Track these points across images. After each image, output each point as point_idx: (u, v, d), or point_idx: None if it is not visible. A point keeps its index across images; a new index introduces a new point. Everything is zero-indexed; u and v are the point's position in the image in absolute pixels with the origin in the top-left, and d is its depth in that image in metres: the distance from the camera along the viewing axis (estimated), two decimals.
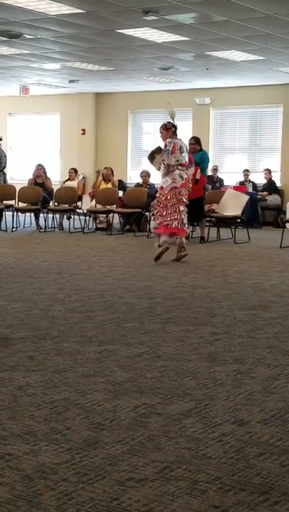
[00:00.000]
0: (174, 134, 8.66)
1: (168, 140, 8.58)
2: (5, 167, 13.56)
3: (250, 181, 14.40)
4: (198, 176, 10.48)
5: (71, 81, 14.48)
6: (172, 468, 2.59)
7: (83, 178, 15.65)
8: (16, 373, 3.80)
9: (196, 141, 11.08)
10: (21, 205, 13.05)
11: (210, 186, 13.33)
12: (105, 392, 3.50)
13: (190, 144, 10.76)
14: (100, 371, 3.86)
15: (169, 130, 8.63)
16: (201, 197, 10.70)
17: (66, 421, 3.09)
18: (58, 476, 2.52)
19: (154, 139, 16.53)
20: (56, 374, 3.80)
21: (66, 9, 8.33)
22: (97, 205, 12.82)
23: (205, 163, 11.03)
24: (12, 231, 12.49)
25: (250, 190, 13.85)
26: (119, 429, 2.99)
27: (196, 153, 10.71)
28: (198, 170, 10.49)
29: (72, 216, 13.12)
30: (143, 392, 3.49)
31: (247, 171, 14.50)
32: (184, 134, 15.91)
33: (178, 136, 8.76)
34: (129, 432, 2.96)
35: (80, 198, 13.27)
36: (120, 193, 13.10)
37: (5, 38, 10.11)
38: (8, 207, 13.14)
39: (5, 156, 13.46)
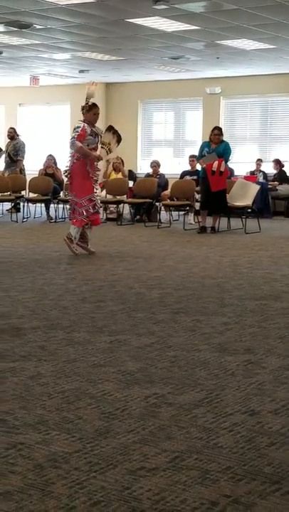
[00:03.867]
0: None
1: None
2: (23, 157, 13.65)
3: (260, 171, 14.35)
4: (222, 168, 10.37)
5: (81, 71, 14.46)
6: (183, 458, 2.60)
7: None
8: (27, 363, 3.82)
9: (220, 131, 10.78)
10: (32, 195, 13.07)
11: None
12: (116, 381, 3.51)
13: (214, 134, 10.67)
14: (110, 361, 3.87)
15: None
16: (224, 189, 10.60)
17: (77, 410, 3.10)
18: (69, 465, 2.54)
19: (164, 129, 16.53)
20: (67, 364, 3.81)
21: None
22: (108, 196, 12.81)
23: (228, 154, 10.70)
24: (23, 221, 12.52)
25: (260, 180, 13.80)
26: (130, 419, 3.00)
27: (219, 144, 10.60)
28: (223, 162, 10.37)
29: None
30: (154, 382, 3.49)
31: (260, 160, 14.43)
32: (194, 123, 15.92)
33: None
34: (140, 421, 2.97)
35: None
36: (130, 183, 13.08)
37: (15, 29, 10.10)
38: (19, 197, 13.17)
39: (24, 147, 13.54)
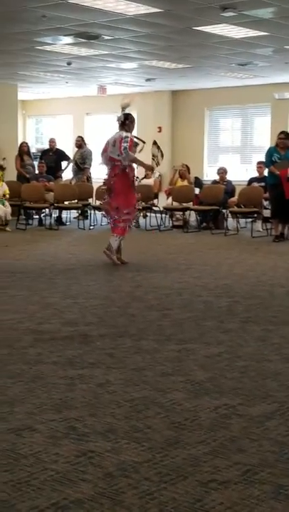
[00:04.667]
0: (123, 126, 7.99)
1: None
2: (90, 166, 13.82)
3: None
4: None
5: (148, 79, 14.53)
6: (256, 471, 2.55)
7: (159, 175, 15.67)
8: (96, 370, 3.83)
9: (286, 136, 10.60)
10: (99, 203, 13.20)
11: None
12: (185, 391, 3.48)
13: (280, 138, 10.52)
14: (179, 370, 3.84)
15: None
16: None
17: (146, 419, 3.08)
18: (139, 474, 2.52)
19: (231, 135, 16.42)
20: (135, 372, 3.81)
21: (144, 9, 8.35)
22: (174, 203, 12.81)
23: None
24: (90, 229, 12.65)
25: None
26: (200, 430, 2.96)
27: (286, 149, 10.44)
28: None
29: (149, 214, 13.15)
30: (224, 393, 3.45)
31: None
32: (262, 129, 15.74)
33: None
34: (210, 432, 2.93)
35: (156, 196, 13.30)
36: (197, 191, 13.04)
37: (84, 40, 10.23)
38: (86, 205, 13.33)
39: (91, 155, 13.72)
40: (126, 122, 7.97)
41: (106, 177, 8.20)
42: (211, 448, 2.76)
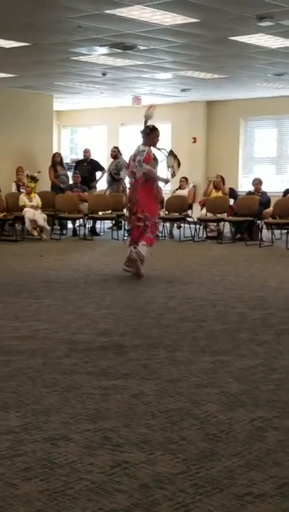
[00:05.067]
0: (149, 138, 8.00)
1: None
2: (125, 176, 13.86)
3: None
4: None
5: (183, 90, 14.55)
6: None
7: (194, 186, 15.67)
8: (130, 381, 3.83)
9: None
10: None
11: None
12: (220, 403, 3.46)
13: None
14: (213, 382, 3.82)
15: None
16: None
17: (181, 431, 3.07)
18: (175, 486, 2.51)
19: (266, 146, 16.34)
20: (170, 383, 3.80)
21: (180, 19, 8.38)
22: (208, 214, 12.78)
23: None
24: (124, 239, 12.67)
25: None
26: (235, 442, 2.94)
27: None
28: None
29: (183, 225, 13.15)
30: (259, 405, 3.41)
31: None
32: None
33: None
34: (245, 445, 2.90)
35: (190, 207, 13.29)
36: (231, 201, 13.00)
37: (119, 50, 10.30)
38: (120, 215, 13.38)
39: (125, 167, 13.75)
40: (150, 135, 7.96)
41: (128, 191, 8.23)
42: (246, 461, 2.74)
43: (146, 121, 8.11)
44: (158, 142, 8.05)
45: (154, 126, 8.06)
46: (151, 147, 7.95)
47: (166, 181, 8.20)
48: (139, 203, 7.88)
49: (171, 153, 8.34)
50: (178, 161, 8.39)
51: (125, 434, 3.03)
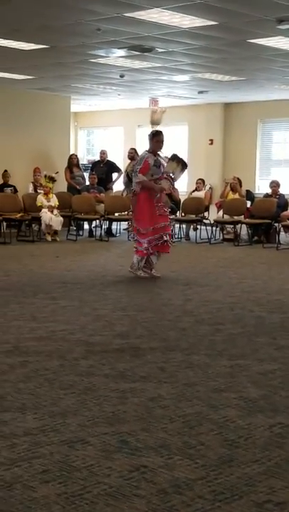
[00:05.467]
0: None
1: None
2: None
3: None
4: None
5: (200, 92, 14.53)
6: None
7: (210, 188, 15.63)
8: (147, 384, 3.81)
9: None
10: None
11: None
12: (238, 408, 3.43)
13: None
14: (231, 386, 3.80)
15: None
16: None
17: (199, 436, 3.05)
18: (193, 492, 2.49)
19: (284, 148, 16.26)
20: (187, 387, 3.78)
21: (199, 22, 8.35)
22: (225, 216, 12.74)
23: None
24: None
25: None
26: (254, 448, 2.91)
27: None
28: None
29: (199, 226, 13.11)
30: (278, 411, 3.38)
31: None
32: None
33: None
34: (265, 451, 2.88)
35: (206, 209, 13.25)
36: (248, 204, 12.95)
37: (138, 53, 10.30)
38: None
39: None
40: (153, 140, 7.89)
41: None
42: (265, 467, 2.71)
43: (153, 127, 8.06)
44: (162, 146, 7.93)
45: (157, 131, 8.00)
46: (158, 152, 7.89)
47: (161, 190, 7.92)
48: (133, 213, 8.10)
49: (174, 157, 8.10)
50: (182, 164, 8.12)
51: (143, 438, 3.02)
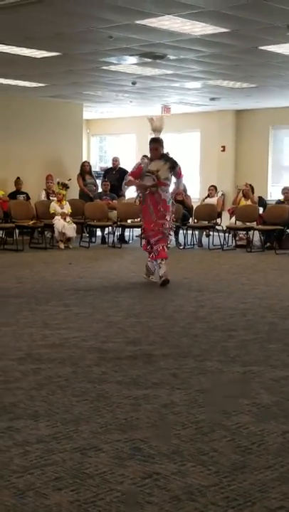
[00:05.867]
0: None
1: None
2: None
3: None
4: None
5: (212, 99, 14.54)
6: None
7: (222, 194, 15.62)
8: (160, 390, 3.81)
9: None
10: None
11: None
12: (251, 414, 3.42)
13: None
14: (244, 393, 3.79)
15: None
16: None
17: (212, 442, 3.04)
18: (206, 499, 2.48)
19: None
20: (200, 393, 3.77)
21: (211, 29, 8.37)
22: (237, 222, 12.73)
23: None
24: None
25: None
26: (267, 455, 2.90)
27: None
28: None
29: (212, 233, 13.11)
30: None
31: None
32: None
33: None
34: (278, 458, 2.87)
35: (219, 215, 13.25)
36: (260, 210, 12.93)
37: (149, 60, 10.33)
38: None
39: None
40: (150, 147, 7.97)
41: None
42: (278, 474, 2.70)
43: (154, 134, 8.09)
44: (159, 153, 7.93)
45: (153, 138, 8.05)
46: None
47: (141, 187, 7.95)
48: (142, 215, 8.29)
49: (162, 156, 8.01)
50: (170, 162, 7.97)
51: (156, 444, 3.01)
